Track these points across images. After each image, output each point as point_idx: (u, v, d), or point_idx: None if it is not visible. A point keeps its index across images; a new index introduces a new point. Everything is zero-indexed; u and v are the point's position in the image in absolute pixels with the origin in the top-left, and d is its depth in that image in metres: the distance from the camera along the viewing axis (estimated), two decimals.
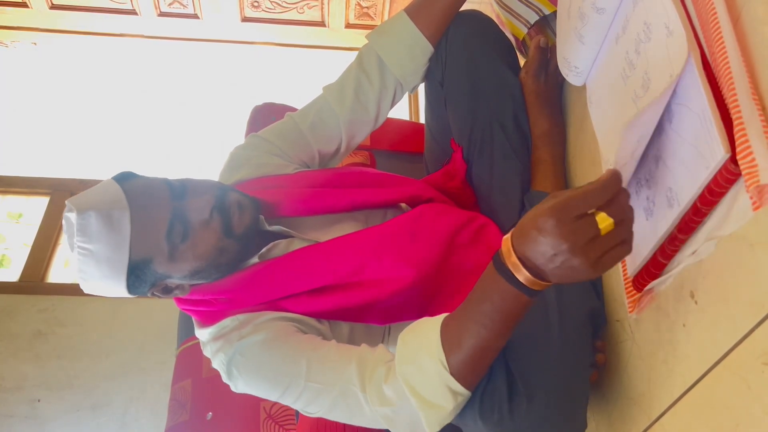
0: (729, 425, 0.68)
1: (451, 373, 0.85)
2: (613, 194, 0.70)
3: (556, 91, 1.24)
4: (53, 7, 2.95)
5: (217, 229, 1.00)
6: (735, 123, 0.63)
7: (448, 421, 0.90)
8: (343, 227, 1.14)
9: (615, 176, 0.70)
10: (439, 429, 0.91)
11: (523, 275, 0.75)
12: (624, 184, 0.74)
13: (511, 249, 0.75)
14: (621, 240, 0.71)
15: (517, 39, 1.33)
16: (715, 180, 0.67)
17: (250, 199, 1.06)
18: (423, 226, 1.13)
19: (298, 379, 0.95)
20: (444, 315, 0.90)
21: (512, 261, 0.75)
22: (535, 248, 0.72)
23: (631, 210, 0.72)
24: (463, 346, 0.84)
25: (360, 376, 0.93)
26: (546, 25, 1.27)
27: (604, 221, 0.69)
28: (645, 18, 0.80)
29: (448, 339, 0.85)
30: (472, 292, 0.84)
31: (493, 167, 1.21)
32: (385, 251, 1.08)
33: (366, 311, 1.08)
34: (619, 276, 0.93)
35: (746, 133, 0.61)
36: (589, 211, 0.70)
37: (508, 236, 0.76)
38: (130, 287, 0.99)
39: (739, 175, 0.65)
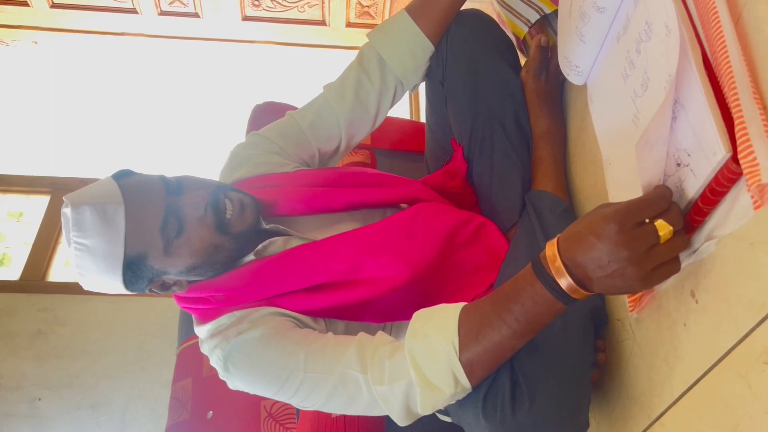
0: (730, 424, 0.68)
1: (460, 361, 0.85)
2: (669, 204, 0.71)
3: (556, 91, 1.23)
4: (54, 5, 2.95)
5: (210, 225, 1.01)
6: (736, 122, 0.62)
7: (440, 407, 0.90)
8: (342, 227, 1.14)
9: (668, 189, 0.72)
10: (430, 412, 0.91)
11: (566, 282, 0.74)
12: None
13: (557, 254, 0.74)
14: (675, 253, 0.72)
15: (517, 38, 1.33)
16: (716, 179, 0.67)
17: (252, 198, 1.06)
18: (419, 224, 1.13)
19: (296, 371, 0.95)
20: (463, 303, 0.89)
21: (557, 266, 0.74)
22: (589, 254, 0.71)
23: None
24: (480, 339, 0.84)
25: (360, 358, 0.92)
26: (547, 24, 1.27)
27: (664, 228, 0.70)
28: (646, 17, 0.80)
29: (466, 328, 0.85)
30: (502, 288, 0.84)
31: (494, 166, 1.21)
32: (381, 249, 1.08)
33: (362, 309, 1.08)
34: None
35: (747, 132, 0.61)
36: (647, 220, 0.70)
37: (553, 241, 0.76)
38: (127, 283, 0.99)
39: (740, 174, 0.65)
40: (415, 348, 0.88)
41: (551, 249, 0.76)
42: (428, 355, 0.87)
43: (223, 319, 1.02)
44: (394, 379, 0.89)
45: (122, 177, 1.01)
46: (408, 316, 0.95)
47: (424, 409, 0.90)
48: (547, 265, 0.76)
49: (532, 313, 0.79)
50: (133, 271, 0.98)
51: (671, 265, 0.72)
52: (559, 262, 0.74)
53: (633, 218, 0.70)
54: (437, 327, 0.87)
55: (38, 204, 2.72)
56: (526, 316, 0.80)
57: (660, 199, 0.71)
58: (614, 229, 0.70)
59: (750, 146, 0.60)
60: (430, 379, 0.87)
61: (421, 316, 0.92)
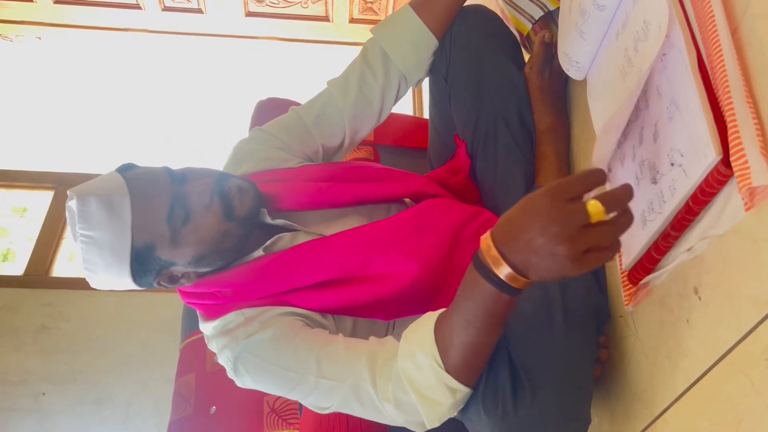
0: (732, 421, 0.68)
1: (447, 370, 0.85)
2: (600, 182, 0.70)
3: (560, 87, 1.23)
4: (57, 1, 2.95)
5: (217, 212, 1.00)
6: (729, 126, 0.63)
7: (448, 416, 0.91)
8: (347, 221, 1.14)
9: (602, 171, 0.71)
10: (439, 424, 0.91)
11: (503, 270, 0.73)
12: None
13: (491, 244, 0.73)
14: (608, 240, 0.69)
15: (521, 34, 1.33)
16: (706, 181, 0.68)
17: (250, 183, 1.06)
18: (429, 221, 1.13)
19: (308, 375, 0.95)
20: (441, 310, 0.89)
21: (492, 255, 0.73)
22: (522, 236, 0.70)
23: (629, 216, 0.70)
24: (454, 343, 0.84)
25: (371, 371, 0.92)
26: (551, 20, 1.27)
27: (595, 207, 0.67)
28: (644, 16, 0.80)
29: (442, 336, 0.85)
30: (459, 288, 0.83)
31: (497, 163, 1.21)
32: (391, 245, 1.08)
33: (371, 306, 1.08)
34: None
35: (740, 136, 0.61)
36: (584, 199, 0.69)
37: (487, 233, 0.75)
38: (135, 276, 0.99)
39: (729, 177, 0.65)
40: (407, 369, 0.88)
41: (485, 240, 0.74)
42: (418, 372, 0.87)
43: (231, 317, 1.02)
44: (399, 398, 0.90)
45: (126, 170, 1.01)
46: (416, 312, 0.95)
47: (431, 423, 0.90)
48: (484, 257, 0.75)
49: (485, 308, 0.78)
50: (141, 262, 0.98)
51: (605, 252, 0.70)
52: (494, 251, 0.73)
53: (564, 193, 0.69)
54: (419, 343, 0.88)
55: (42, 199, 2.73)
56: (482, 312, 0.79)
57: (591, 176, 0.70)
58: (546, 205, 0.69)
59: (742, 150, 0.61)
60: (427, 395, 0.87)
61: (406, 334, 0.92)
